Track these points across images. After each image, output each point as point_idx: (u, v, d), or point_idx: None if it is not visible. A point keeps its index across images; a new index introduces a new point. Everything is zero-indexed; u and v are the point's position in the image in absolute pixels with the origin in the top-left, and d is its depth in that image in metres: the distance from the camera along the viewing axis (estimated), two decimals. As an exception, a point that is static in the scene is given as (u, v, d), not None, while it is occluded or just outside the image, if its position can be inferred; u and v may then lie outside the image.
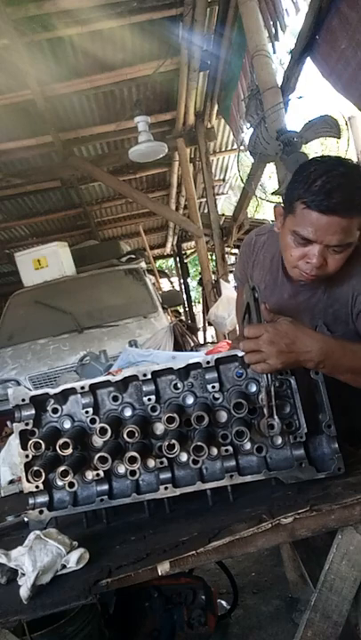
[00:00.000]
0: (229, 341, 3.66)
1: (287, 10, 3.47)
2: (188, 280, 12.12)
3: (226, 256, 7.26)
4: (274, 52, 3.56)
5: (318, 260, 1.23)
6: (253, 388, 1.24)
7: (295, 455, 1.20)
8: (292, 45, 3.26)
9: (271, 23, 3.61)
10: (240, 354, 1.22)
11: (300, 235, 1.23)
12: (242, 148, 3.65)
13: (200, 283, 8.08)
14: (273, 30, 3.61)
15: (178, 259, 12.05)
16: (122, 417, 1.29)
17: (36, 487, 1.27)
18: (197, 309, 11.61)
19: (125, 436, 1.19)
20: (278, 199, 3.36)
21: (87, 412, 1.28)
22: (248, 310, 1.22)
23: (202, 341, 8.03)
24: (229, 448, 1.22)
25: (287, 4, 3.45)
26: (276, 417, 1.12)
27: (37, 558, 1.03)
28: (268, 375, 1.13)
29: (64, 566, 1.05)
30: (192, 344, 5.22)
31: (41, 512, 1.28)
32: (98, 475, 1.25)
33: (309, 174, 1.21)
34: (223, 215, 7.58)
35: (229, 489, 1.23)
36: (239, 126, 5.03)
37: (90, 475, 1.28)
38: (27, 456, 1.26)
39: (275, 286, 1.50)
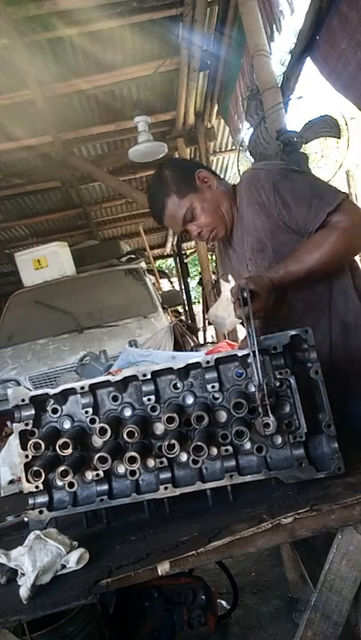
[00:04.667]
0: (229, 341, 3.66)
1: (282, 11, 3.47)
2: (188, 280, 12.12)
3: (226, 256, 7.24)
4: (270, 54, 3.56)
5: (195, 233, 1.67)
6: (253, 388, 1.24)
7: (295, 455, 1.19)
8: (292, 45, 3.26)
9: (268, 25, 3.61)
10: (240, 354, 1.22)
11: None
12: (241, 148, 3.65)
13: (200, 283, 8.07)
14: (270, 31, 3.62)
15: (178, 259, 12.05)
16: (122, 417, 1.29)
17: (36, 487, 1.27)
18: (197, 309, 11.60)
19: (125, 436, 1.19)
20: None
21: (87, 412, 1.28)
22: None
23: (202, 341, 8.02)
24: (229, 448, 1.22)
25: (283, 6, 3.46)
26: (271, 415, 1.12)
27: (37, 558, 1.03)
28: (260, 374, 1.14)
29: (64, 566, 1.05)
30: (192, 344, 5.21)
31: (41, 512, 1.28)
32: (98, 475, 1.25)
33: None
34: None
35: (229, 489, 1.22)
36: (237, 126, 5.04)
37: (90, 475, 1.28)
38: (26, 456, 1.26)
39: (234, 253, 1.80)
